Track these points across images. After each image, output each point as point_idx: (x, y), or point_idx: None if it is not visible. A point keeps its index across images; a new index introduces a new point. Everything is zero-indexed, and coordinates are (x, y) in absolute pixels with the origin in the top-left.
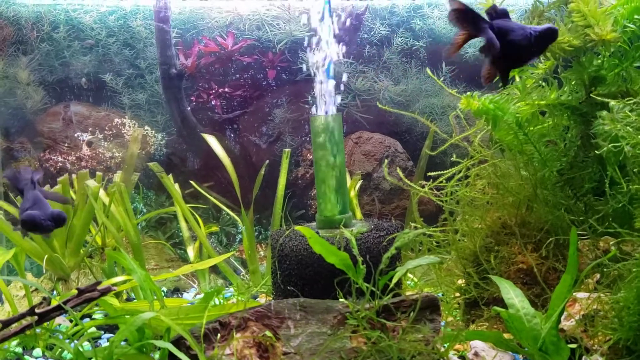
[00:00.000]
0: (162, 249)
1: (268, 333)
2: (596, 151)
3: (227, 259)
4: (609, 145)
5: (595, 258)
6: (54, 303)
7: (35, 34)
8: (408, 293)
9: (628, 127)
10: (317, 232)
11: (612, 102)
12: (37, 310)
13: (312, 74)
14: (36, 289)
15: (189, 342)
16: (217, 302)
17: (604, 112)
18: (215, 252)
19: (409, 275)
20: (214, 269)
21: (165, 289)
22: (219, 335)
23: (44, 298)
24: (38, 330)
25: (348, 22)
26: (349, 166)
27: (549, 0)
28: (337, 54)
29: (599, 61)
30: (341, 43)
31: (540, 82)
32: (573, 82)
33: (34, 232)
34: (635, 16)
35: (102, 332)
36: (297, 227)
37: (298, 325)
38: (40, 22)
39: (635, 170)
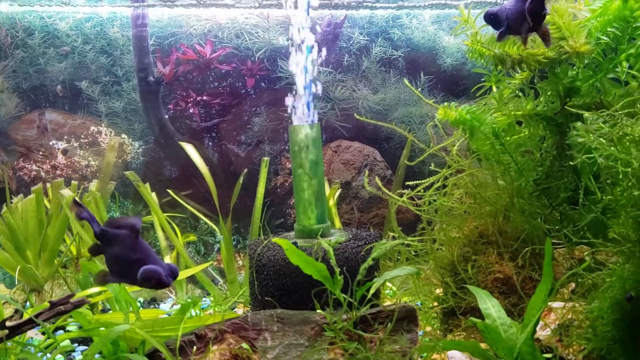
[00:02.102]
0: None
1: (245, 345)
2: (571, 162)
3: (205, 268)
4: (583, 157)
5: (571, 267)
6: (26, 316)
7: (9, 40)
8: (386, 303)
9: (601, 139)
10: (296, 242)
11: (586, 114)
12: (7, 324)
13: (291, 84)
14: (6, 302)
15: (164, 355)
16: (194, 314)
17: (579, 123)
18: (193, 261)
19: (388, 284)
20: (192, 279)
21: (142, 299)
22: (194, 347)
23: (16, 310)
24: (9, 343)
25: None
26: (328, 175)
27: None
28: (315, 63)
29: (574, 72)
30: (320, 52)
31: (517, 92)
32: (549, 93)
33: (153, 288)
34: (608, 29)
35: (76, 344)
36: (274, 239)
37: (275, 337)
38: (15, 28)
39: (608, 181)
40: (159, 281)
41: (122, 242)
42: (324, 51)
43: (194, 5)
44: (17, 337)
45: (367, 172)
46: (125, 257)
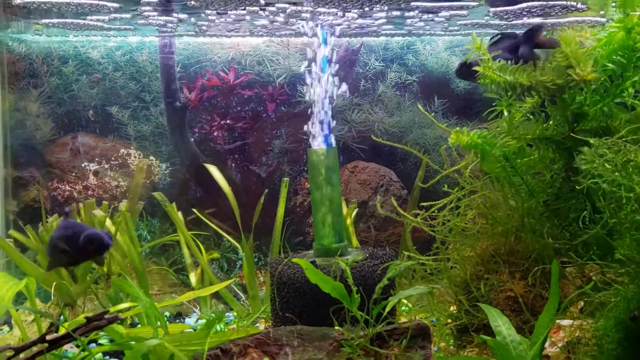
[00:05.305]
0: (165, 275)
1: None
2: (577, 186)
3: (228, 284)
4: (588, 182)
5: (580, 286)
6: (62, 330)
7: (45, 69)
8: (402, 320)
9: (606, 165)
10: (314, 261)
11: (592, 140)
12: (47, 338)
13: (310, 108)
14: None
15: None
16: (218, 328)
17: (585, 148)
18: (217, 278)
19: (404, 301)
20: (215, 294)
21: (168, 313)
22: None
23: (52, 324)
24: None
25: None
26: (345, 195)
27: None
28: (333, 88)
29: (582, 98)
30: (337, 78)
31: (527, 115)
32: (557, 118)
33: (95, 253)
34: (614, 57)
35: (107, 357)
36: (294, 259)
37: (295, 352)
38: (50, 57)
39: (612, 206)
40: (101, 242)
41: (58, 229)
42: (342, 77)
43: (218, 35)
44: (54, 351)
45: (379, 197)
46: (61, 235)
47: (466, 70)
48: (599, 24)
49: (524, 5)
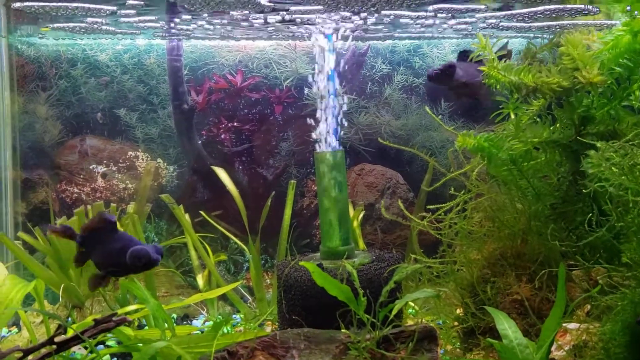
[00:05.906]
0: (172, 277)
1: None
2: (584, 190)
3: (235, 286)
4: (595, 185)
5: (587, 289)
6: (70, 331)
7: (54, 71)
8: (408, 323)
9: (613, 168)
10: (321, 264)
11: (599, 144)
12: (56, 340)
13: (317, 111)
14: (50, 317)
15: None
16: (225, 331)
17: (592, 152)
18: (224, 280)
19: (410, 303)
20: (222, 296)
21: (175, 315)
22: None
23: (59, 326)
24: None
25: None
26: (352, 197)
27: (542, 42)
28: (340, 91)
29: (589, 100)
30: (344, 80)
31: (534, 118)
32: (564, 121)
33: (143, 268)
34: (620, 60)
35: (115, 359)
36: (301, 262)
37: (302, 355)
38: (59, 59)
39: (619, 209)
40: (149, 259)
41: (104, 239)
42: (349, 79)
43: (225, 37)
44: (62, 352)
45: (383, 202)
46: (111, 249)
47: (437, 75)
48: (609, 27)
49: (540, 8)
